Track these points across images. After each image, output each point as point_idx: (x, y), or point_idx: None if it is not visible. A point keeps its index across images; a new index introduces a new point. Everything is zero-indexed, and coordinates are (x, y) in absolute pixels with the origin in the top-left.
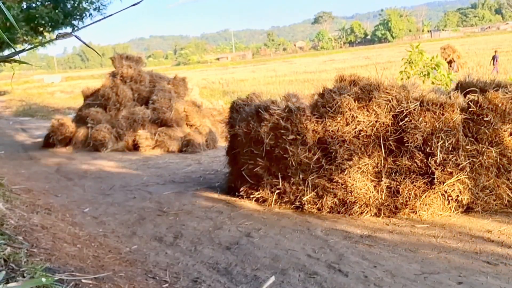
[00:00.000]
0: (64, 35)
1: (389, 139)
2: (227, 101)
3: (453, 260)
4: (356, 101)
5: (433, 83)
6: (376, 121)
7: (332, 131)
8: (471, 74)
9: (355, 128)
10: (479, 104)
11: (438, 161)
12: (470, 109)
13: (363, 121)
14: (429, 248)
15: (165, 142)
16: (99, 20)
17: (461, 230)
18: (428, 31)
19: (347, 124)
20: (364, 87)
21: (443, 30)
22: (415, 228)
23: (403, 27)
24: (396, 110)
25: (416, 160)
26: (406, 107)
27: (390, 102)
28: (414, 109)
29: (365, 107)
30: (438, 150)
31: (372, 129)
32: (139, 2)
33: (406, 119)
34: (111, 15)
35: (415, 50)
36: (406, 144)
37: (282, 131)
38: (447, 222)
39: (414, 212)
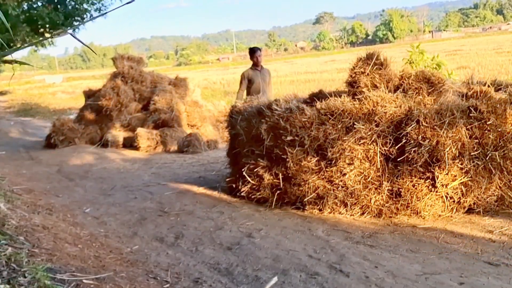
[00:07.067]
0: (59, 33)
1: (390, 148)
2: (229, 101)
3: (455, 261)
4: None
5: None
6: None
7: (332, 139)
8: (474, 74)
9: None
10: (478, 109)
11: (443, 166)
12: (471, 114)
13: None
14: (431, 248)
15: (166, 142)
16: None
17: (462, 230)
18: (430, 31)
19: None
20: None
21: (444, 30)
22: (416, 229)
23: (405, 27)
24: (397, 133)
25: (418, 167)
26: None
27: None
28: (412, 130)
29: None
30: (446, 157)
31: (372, 137)
32: (132, 1)
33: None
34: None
35: (416, 50)
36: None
37: (281, 131)
38: (448, 222)
39: (415, 213)
